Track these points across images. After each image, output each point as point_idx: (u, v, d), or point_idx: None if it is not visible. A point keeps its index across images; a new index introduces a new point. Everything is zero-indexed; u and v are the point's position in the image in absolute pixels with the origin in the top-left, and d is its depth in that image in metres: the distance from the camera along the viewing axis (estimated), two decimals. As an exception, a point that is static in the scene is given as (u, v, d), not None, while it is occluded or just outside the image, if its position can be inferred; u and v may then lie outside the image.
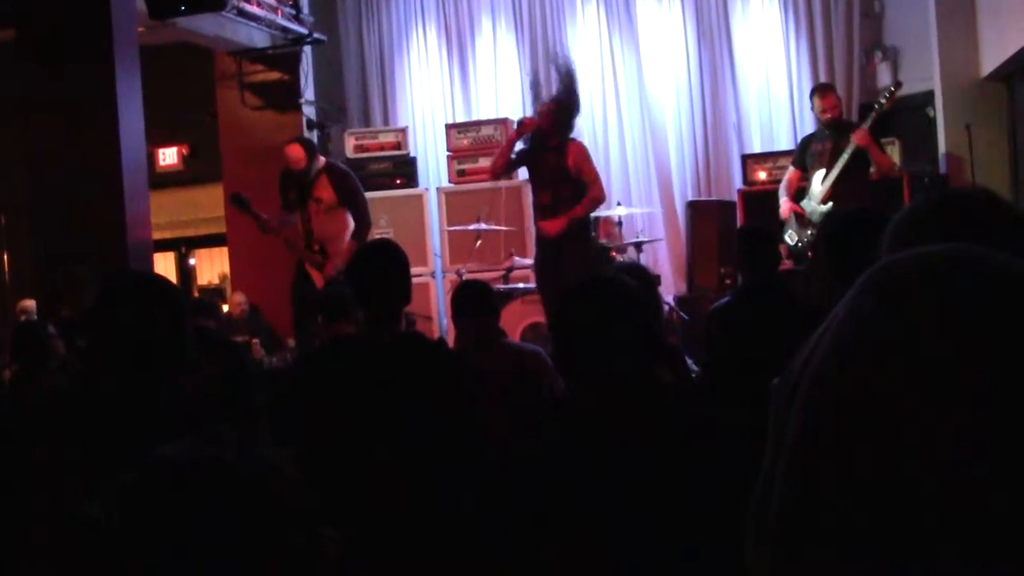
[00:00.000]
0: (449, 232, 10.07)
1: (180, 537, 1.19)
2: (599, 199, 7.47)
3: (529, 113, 10.81)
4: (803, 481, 1.08)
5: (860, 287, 1.12)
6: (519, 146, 7.54)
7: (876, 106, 7.94)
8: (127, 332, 2.44)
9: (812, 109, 8.18)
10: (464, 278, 8.35)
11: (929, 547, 0.98)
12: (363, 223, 7.88)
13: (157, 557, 1.19)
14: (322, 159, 8.07)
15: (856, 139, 7.66)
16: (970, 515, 0.97)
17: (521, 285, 8.82)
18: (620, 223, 9.31)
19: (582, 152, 7.39)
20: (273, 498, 1.25)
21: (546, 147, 7.35)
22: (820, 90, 8.19)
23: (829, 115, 7.96)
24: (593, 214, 8.01)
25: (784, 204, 8.11)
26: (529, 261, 8.12)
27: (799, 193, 8.09)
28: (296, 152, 7.86)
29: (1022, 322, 1.02)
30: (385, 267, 3.78)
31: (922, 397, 1.00)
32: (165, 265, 15.06)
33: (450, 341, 9.44)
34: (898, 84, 8.35)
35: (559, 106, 7.45)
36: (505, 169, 7.79)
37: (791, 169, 8.26)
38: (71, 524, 1.18)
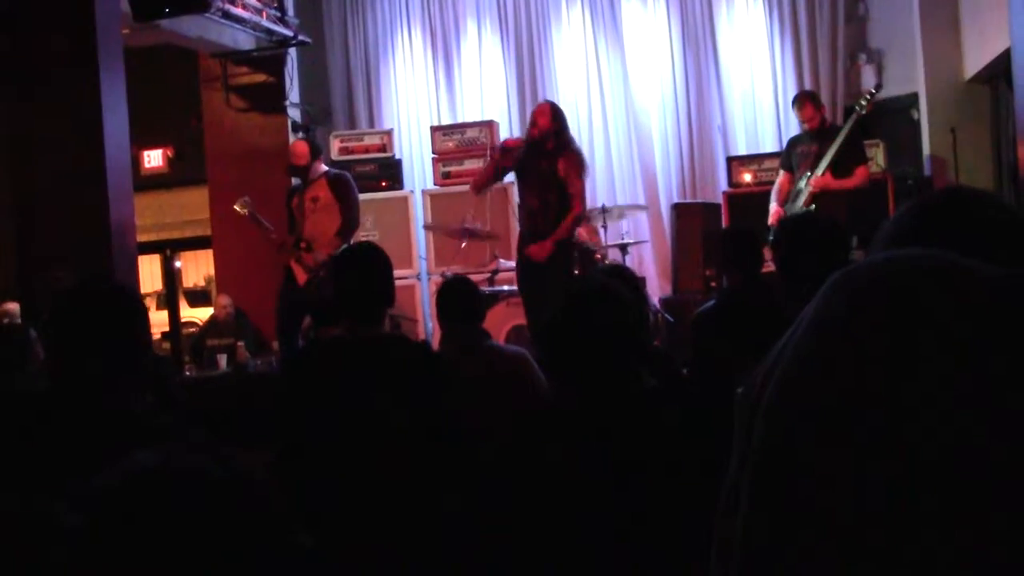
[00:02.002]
0: (434, 233, 10.07)
1: (154, 544, 1.18)
2: (580, 217, 7.49)
3: (516, 119, 10.89)
4: (768, 489, 1.08)
5: (822, 296, 1.12)
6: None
7: (856, 108, 7.95)
8: (88, 337, 2.45)
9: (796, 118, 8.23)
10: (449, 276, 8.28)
11: (895, 550, 0.98)
12: (350, 220, 7.93)
13: (131, 565, 1.18)
14: (324, 166, 8.20)
15: (813, 188, 7.67)
16: (932, 514, 0.97)
17: (506, 288, 8.80)
18: (605, 225, 9.31)
19: (574, 165, 7.30)
20: (248, 505, 1.24)
21: (541, 152, 7.27)
22: (798, 102, 8.19)
23: (808, 126, 7.99)
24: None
25: (772, 210, 8.11)
26: (513, 264, 8.09)
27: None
28: (300, 147, 8.16)
29: (983, 328, 1.01)
30: (366, 270, 3.79)
31: (882, 406, 1.00)
32: (151, 268, 15.03)
33: (435, 343, 9.44)
34: (878, 87, 8.38)
35: (553, 106, 7.46)
36: (486, 186, 7.77)
37: (781, 174, 8.24)
38: (42, 531, 1.17)
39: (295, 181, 8.41)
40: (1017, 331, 1.01)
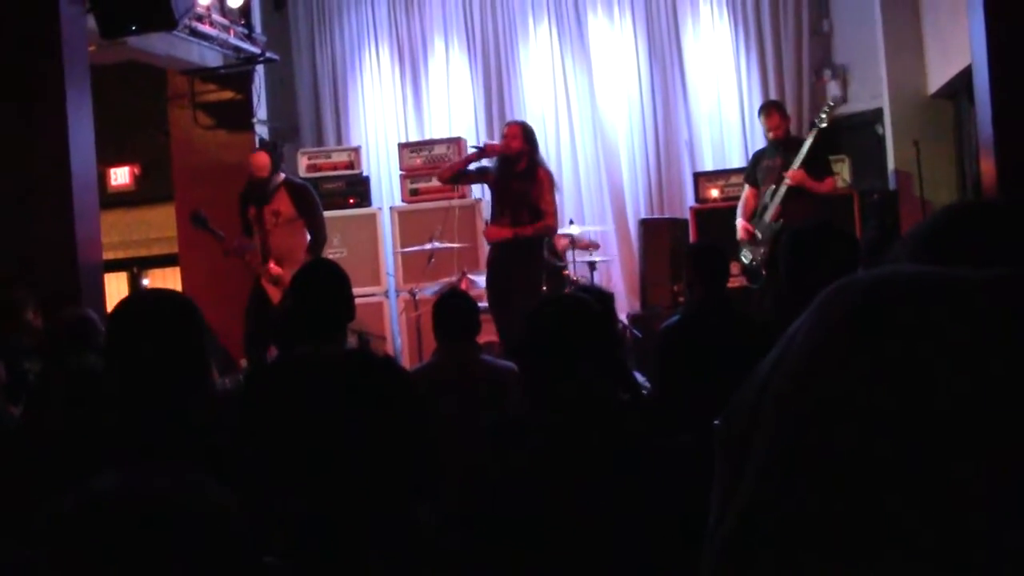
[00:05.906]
0: (402, 251, 10.05)
1: (113, 571, 1.17)
2: (550, 228, 7.56)
3: (484, 135, 10.91)
4: (772, 498, 1.08)
5: (817, 310, 1.12)
6: (479, 162, 7.57)
7: (815, 122, 8.02)
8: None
9: (762, 127, 8.26)
10: (451, 288, 8.17)
11: (902, 556, 0.99)
12: (318, 236, 7.89)
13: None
14: (282, 174, 8.11)
15: (789, 180, 7.74)
16: (937, 523, 0.98)
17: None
18: (573, 241, 9.31)
19: (547, 183, 7.39)
20: (210, 528, 1.24)
21: (513, 172, 7.36)
22: (765, 110, 8.26)
23: (774, 134, 8.04)
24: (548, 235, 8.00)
25: (739, 225, 8.15)
26: (483, 280, 8.09)
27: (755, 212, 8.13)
28: (262, 159, 7.97)
29: (982, 333, 1.03)
30: (323, 286, 3.80)
31: (880, 420, 1.01)
32: (118, 285, 14.93)
33: (404, 360, 9.41)
34: (836, 99, 8.46)
35: (524, 126, 7.51)
36: (453, 178, 7.82)
37: (746, 188, 8.29)
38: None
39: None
40: (1014, 334, 1.02)
